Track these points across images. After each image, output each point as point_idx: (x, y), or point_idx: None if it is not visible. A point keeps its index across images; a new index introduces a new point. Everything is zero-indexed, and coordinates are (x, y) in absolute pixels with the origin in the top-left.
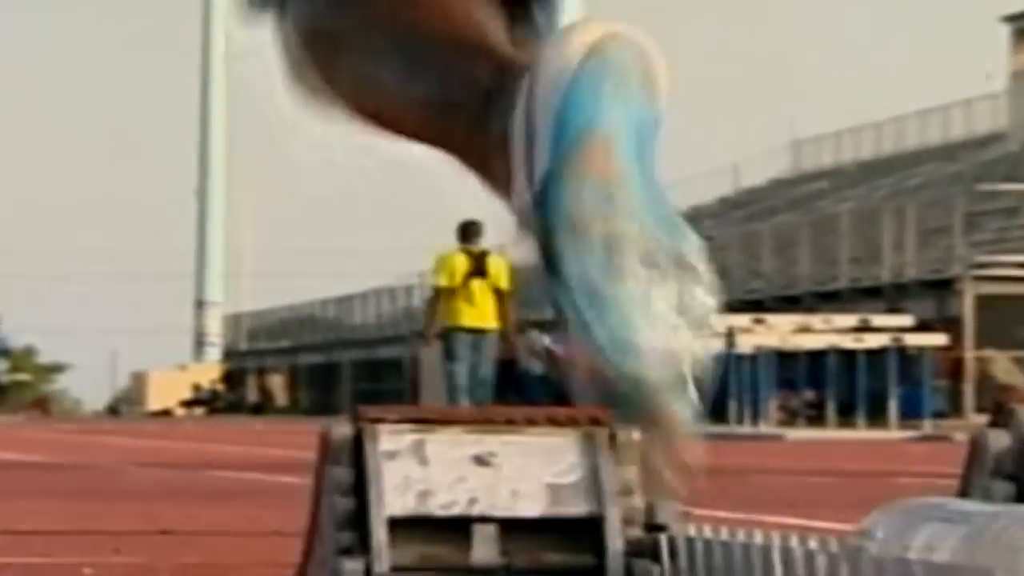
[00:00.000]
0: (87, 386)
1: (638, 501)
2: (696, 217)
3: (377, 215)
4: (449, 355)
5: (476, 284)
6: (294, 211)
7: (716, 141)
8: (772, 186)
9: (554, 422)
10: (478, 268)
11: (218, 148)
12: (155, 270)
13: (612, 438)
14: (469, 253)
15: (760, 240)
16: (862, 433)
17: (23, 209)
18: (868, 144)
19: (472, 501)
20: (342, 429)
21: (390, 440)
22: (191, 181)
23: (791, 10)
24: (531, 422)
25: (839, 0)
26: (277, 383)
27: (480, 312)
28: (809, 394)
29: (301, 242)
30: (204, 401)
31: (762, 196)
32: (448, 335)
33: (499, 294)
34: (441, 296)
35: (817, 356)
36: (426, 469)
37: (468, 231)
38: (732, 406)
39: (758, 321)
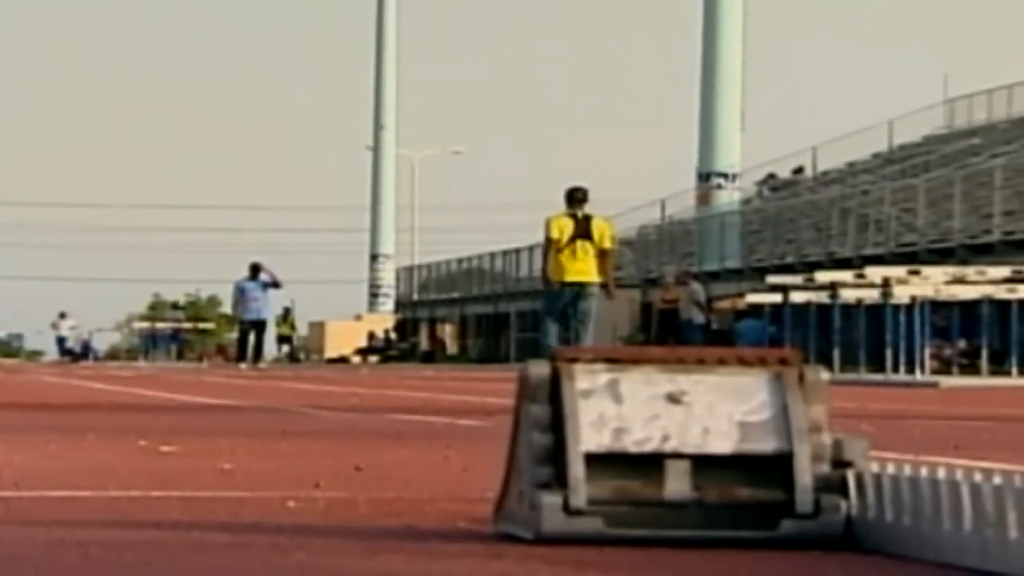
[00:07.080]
0: (268, 334)
1: (826, 438)
2: (852, 172)
3: (539, 172)
4: (550, 306)
5: (579, 244)
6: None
7: (872, 99)
8: (926, 142)
9: (744, 362)
10: (583, 231)
11: (390, 104)
12: (332, 224)
13: (800, 377)
14: (574, 217)
15: (915, 194)
16: (1015, 380)
17: (203, 167)
18: (1020, 102)
19: (665, 438)
20: (540, 369)
21: (586, 379)
22: (367, 137)
23: None
24: (721, 362)
25: None
26: (447, 332)
27: (580, 268)
28: (963, 343)
29: (469, 198)
30: (378, 349)
31: (916, 152)
32: (552, 288)
33: (602, 253)
34: (551, 252)
35: (970, 306)
36: (620, 407)
37: (573, 197)
38: (888, 354)
39: (913, 272)
